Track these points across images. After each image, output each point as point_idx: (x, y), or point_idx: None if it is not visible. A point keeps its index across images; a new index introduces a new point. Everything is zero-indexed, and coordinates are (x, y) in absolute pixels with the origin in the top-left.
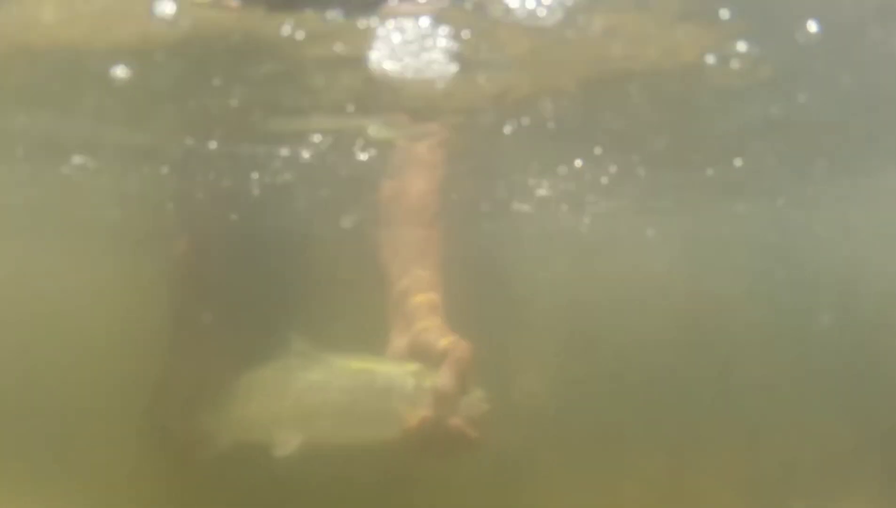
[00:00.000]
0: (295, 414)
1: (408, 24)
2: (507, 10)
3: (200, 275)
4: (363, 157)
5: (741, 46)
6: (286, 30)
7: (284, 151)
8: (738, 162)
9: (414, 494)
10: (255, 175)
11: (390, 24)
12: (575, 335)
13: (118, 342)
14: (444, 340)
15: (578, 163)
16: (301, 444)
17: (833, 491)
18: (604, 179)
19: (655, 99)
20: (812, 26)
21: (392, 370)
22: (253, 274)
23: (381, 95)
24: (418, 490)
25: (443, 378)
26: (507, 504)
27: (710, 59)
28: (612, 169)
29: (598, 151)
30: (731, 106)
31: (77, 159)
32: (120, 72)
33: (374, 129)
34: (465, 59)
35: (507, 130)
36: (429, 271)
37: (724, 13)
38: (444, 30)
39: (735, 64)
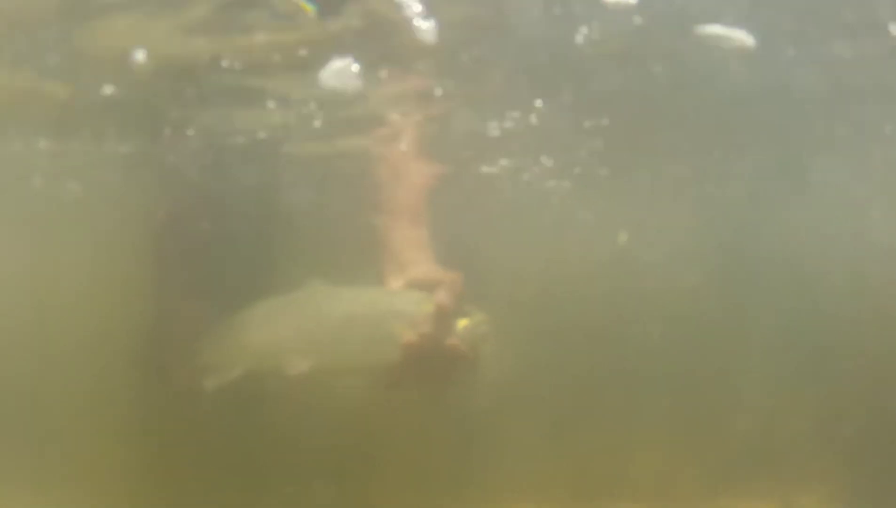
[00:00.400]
0: (298, 339)
1: None
2: None
3: (195, 212)
4: None
5: None
6: None
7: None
8: None
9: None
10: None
11: None
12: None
13: (108, 284)
14: (437, 273)
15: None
16: (309, 366)
17: (788, 478)
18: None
19: None
20: None
21: (392, 295)
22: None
23: None
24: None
25: (439, 298)
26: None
27: None
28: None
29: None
30: None
31: None
32: None
33: None
34: None
35: None
36: (419, 225)
37: None
38: None
39: None
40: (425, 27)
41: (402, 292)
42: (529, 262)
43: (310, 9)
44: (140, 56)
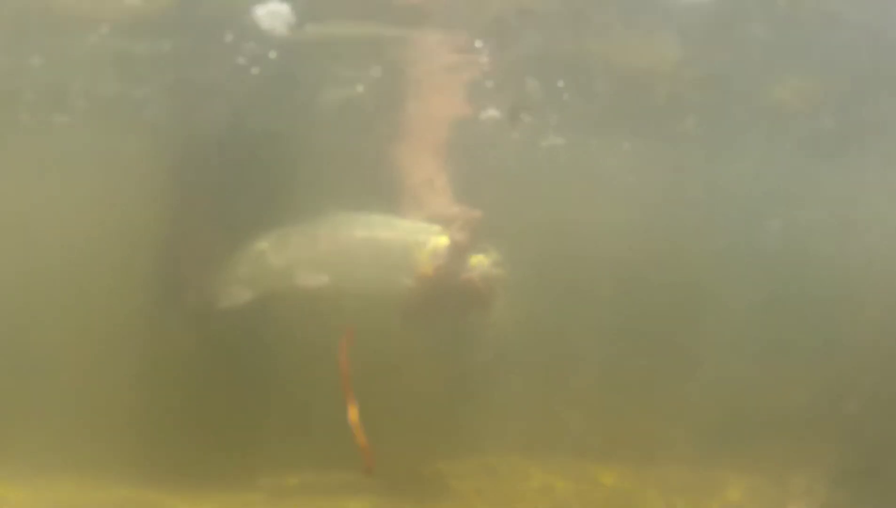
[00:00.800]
0: (315, 262)
1: None
2: None
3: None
4: None
5: None
6: None
7: None
8: None
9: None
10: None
11: None
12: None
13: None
14: (455, 208)
15: None
16: (324, 288)
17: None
18: None
19: None
20: None
21: (408, 227)
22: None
23: None
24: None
25: (455, 232)
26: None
27: None
28: None
29: None
30: None
31: None
32: None
33: None
34: None
35: None
36: (440, 161)
37: None
38: None
39: None
40: None
41: (419, 225)
42: None
43: None
44: None
